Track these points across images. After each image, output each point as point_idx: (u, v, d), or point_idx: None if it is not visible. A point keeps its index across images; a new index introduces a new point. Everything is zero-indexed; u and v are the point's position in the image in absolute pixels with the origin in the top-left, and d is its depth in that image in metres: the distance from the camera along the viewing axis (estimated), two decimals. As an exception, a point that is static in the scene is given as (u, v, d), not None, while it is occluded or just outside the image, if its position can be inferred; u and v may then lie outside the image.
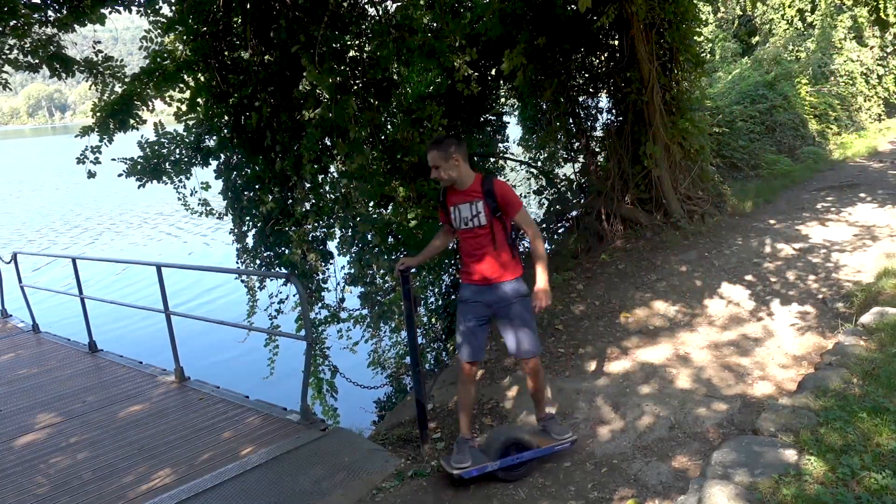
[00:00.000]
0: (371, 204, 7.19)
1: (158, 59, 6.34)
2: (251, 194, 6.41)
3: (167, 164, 6.71)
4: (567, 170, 9.79)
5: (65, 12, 5.64)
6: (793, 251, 6.96)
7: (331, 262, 6.83)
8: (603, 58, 8.65)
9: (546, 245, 9.84)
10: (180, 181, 7.03)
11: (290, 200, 6.33)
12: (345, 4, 5.97)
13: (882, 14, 9.06)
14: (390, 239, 6.78)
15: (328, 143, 6.13)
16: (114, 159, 6.72)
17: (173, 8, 6.26)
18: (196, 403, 5.06)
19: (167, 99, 6.84)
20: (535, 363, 3.70)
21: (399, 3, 6.27)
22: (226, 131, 6.34)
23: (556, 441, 3.79)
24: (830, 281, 6.07)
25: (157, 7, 6.33)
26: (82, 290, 6.79)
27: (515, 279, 3.60)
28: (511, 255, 3.61)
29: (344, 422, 6.12)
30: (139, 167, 6.63)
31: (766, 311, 5.67)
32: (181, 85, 6.58)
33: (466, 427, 3.84)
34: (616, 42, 8.13)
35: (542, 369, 3.85)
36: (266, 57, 6.08)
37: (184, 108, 6.48)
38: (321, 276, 6.82)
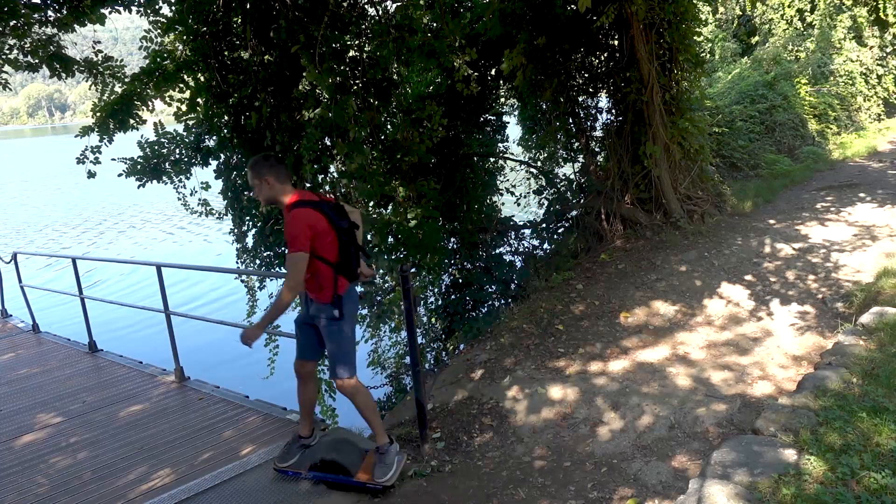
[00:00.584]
0: (371, 204, 7.19)
1: (158, 59, 6.35)
2: (251, 194, 6.41)
3: (167, 164, 6.72)
4: (567, 170, 9.81)
5: (65, 12, 5.64)
6: (792, 251, 6.96)
7: (330, 261, 6.83)
8: (603, 58, 8.66)
9: (546, 245, 9.85)
10: (180, 181, 7.04)
11: (290, 200, 6.32)
12: (345, 4, 5.98)
13: (881, 14, 9.07)
14: (390, 239, 6.78)
15: (328, 143, 6.13)
16: (114, 159, 6.73)
17: (173, 8, 6.26)
18: (196, 403, 5.06)
19: (167, 99, 6.85)
20: (342, 384, 3.58)
21: (399, 3, 6.27)
22: (226, 131, 6.34)
23: (370, 480, 3.57)
24: (830, 281, 6.07)
25: (157, 7, 6.33)
26: (82, 290, 6.79)
27: (324, 303, 3.48)
28: (320, 280, 3.44)
29: (344, 421, 6.12)
30: (139, 167, 6.64)
31: (766, 311, 5.67)
32: (181, 85, 6.59)
33: (305, 428, 3.85)
34: (616, 42, 8.14)
35: (363, 392, 3.64)
36: (266, 57, 6.08)
37: (184, 108, 6.49)
38: (321, 276, 6.82)
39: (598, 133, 9.07)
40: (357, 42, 6.22)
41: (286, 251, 3.28)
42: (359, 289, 7.51)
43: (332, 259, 3.41)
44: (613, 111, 8.74)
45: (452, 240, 9.56)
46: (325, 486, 3.71)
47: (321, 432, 4.16)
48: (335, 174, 6.87)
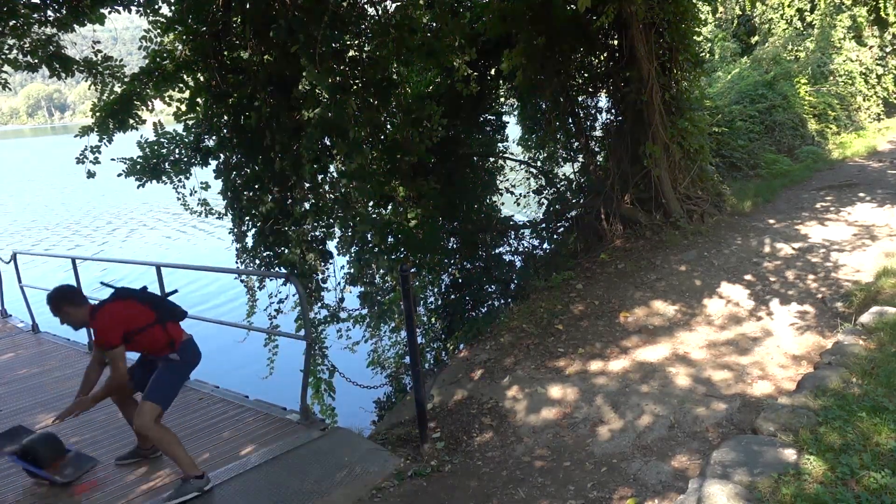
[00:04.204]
0: (371, 204, 7.19)
1: (158, 59, 6.35)
2: (250, 194, 6.41)
3: (167, 164, 6.71)
4: (566, 169, 9.81)
5: (64, 12, 5.65)
6: (792, 251, 6.97)
7: (330, 261, 6.84)
8: (602, 57, 8.66)
9: (546, 245, 9.86)
10: (180, 181, 7.03)
11: (290, 200, 6.34)
12: (345, 4, 5.97)
13: (881, 13, 9.08)
14: (390, 239, 6.78)
15: (328, 143, 6.13)
16: (113, 159, 6.72)
17: (173, 8, 6.26)
18: (196, 403, 5.06)
19: (167, 99, 6.85)
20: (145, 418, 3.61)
21: (399, 3, 6.27)
22: (225, 131, 6.34)
23: (55, 475, 3.83)
24: (829, 280, 6.07)
25: (156, 7, 6.33)
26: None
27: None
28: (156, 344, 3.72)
29: (344, 421, 6.12)
30: (139, 167, 6.63)
31: (766, 311, 5.67)
32: (181, 85, 6.59)
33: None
34: (615, 42, 8.14)
35: (164, 437, 3.64)
36: (266, 57, 6.08)
37: (183, 108, 6.49)
38: (320, 276, 6.83)
39: (598, 133, 9.07)
40: (357, 42, 6.22)
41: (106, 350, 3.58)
42: (358, 289, 7.53)
43: (151, 320, 3.68)
44: (613, 111, 8.74)
45: (452, 240, 9.57)
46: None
47: (320, 431, 4.15)
48: (335, 174, 6.87)
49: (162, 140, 6.80)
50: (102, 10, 5.80)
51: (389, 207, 7.64)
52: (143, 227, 20.36)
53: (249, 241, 6.71)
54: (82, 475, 3.93)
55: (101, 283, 4.22)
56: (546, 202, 9.85)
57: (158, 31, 6.70)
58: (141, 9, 6.29)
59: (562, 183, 9.79)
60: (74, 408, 3.67)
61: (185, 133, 6.78)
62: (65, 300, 3.64)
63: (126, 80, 6.88)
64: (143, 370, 3.84)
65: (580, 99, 9.00)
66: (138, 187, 6.85)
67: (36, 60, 6.47)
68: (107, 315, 3.59)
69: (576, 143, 9.05)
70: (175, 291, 3.91)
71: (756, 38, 17.48)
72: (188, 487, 3.62)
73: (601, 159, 8.97)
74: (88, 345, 6.65)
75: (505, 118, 10.21)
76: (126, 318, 3.60)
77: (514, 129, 10.47)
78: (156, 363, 3.75)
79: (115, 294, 3.75)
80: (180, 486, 3.63)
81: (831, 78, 15.24)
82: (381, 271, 7.49)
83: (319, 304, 7.11)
